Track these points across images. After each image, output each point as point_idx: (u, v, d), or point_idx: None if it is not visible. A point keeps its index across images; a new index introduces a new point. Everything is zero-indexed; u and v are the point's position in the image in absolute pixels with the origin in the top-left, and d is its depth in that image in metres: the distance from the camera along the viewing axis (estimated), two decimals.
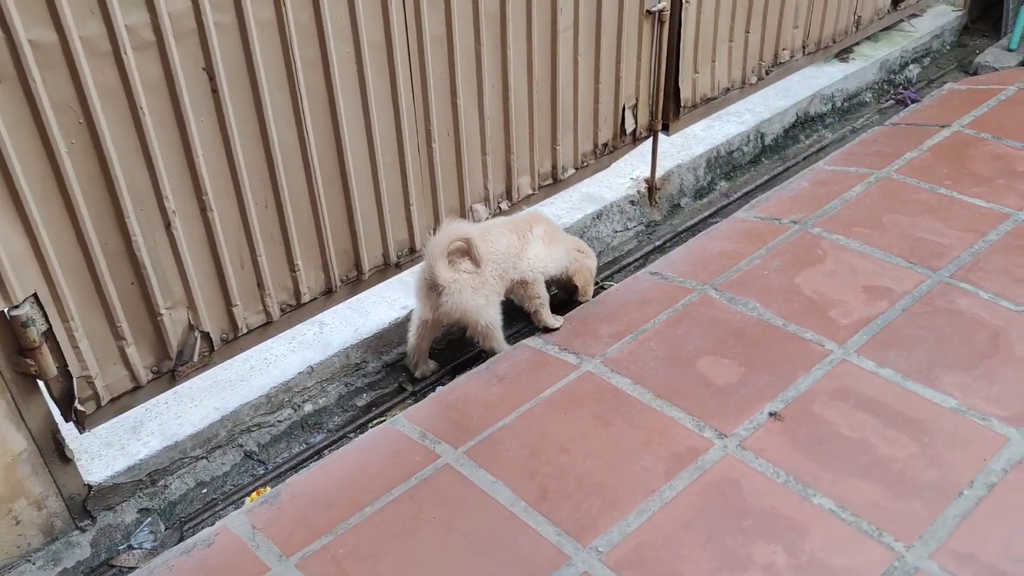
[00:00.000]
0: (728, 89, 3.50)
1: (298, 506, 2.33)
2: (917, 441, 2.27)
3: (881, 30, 4.31)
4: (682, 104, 3.29)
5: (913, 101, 4.22)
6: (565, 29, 2.77)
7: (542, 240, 2.78)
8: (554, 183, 3.04)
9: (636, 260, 3.40)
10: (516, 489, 2.26)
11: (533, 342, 2.80)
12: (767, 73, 3.60)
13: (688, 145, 3.64)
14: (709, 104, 3.46)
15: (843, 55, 4.23)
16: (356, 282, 2.67)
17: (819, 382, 2.48)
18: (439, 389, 2.75)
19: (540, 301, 2.77)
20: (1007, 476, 2.15)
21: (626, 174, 3.51)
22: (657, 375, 2.57)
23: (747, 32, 3.42)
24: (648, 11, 2.97)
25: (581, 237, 3.32)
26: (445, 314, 2.63)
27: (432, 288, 2.59)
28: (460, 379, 2.73)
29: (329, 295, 2.62)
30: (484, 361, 2.75)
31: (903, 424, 2.32)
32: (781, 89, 3.99)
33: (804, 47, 3.74)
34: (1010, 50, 4.46)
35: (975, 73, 4.49)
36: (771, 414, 2.37)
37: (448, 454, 2.39)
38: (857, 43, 4.28)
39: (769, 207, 3.33)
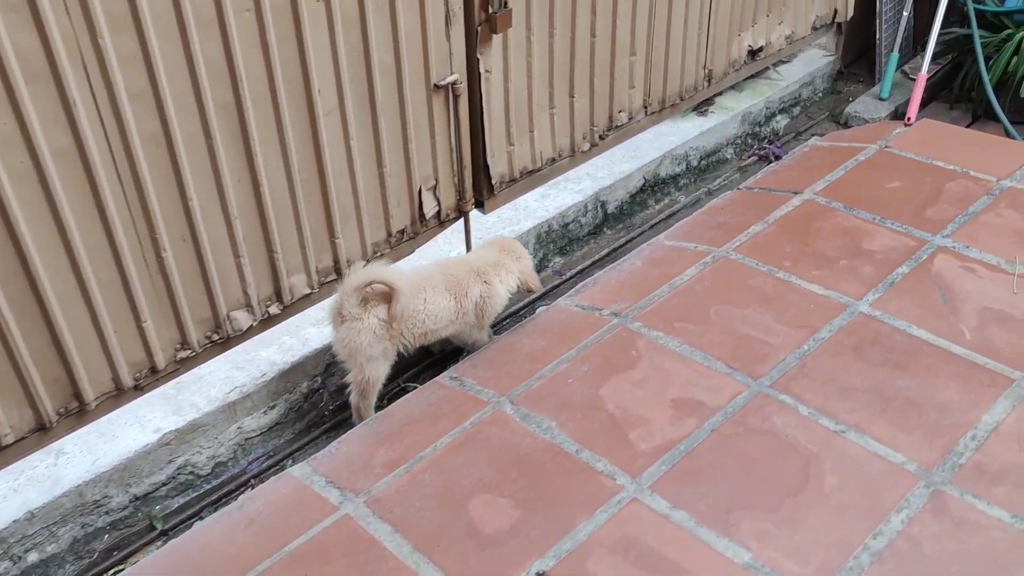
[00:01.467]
0: (554, 159, 3.19)
1: None
2: None
3: (746, 79, 4.04)
4: (495, 180, 2.97)
5: (776, 157, 3.96)
6: (328, 112, 2.44)
7: (475, 308, 2.74)
8: (340, 278, 2.69)
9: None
10: None
11: (300, 471, 2.46)
12: (601, 138, 3.30)
13: (517, 219, 3.33)
14: (533, 176, 3.15)
15: (703, 108, 3.95)
16: (80, 413, 2.30)
17: (602, 529, 2.16)
18: (190, 529, 2.39)
19: None
20: None
21: (442, 256, 3.17)
22: (422, 520, 2.24)
23: (572, 97, 3.11)
24: (436, 86, 2.65)
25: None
26: (335, 345, 2.58)
27: (338, 316, 2.55)
28: (208, 520, 2.38)
29: (44, 431, 2.25)
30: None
31: None
32: (629, 149, 3.70)
33: (646, 107, 3.44)
34: (881, 99, 4.22)
35: (846, 124, 4.24)
36: (538, 575, 2.05)
37: None
38: (720, 93, 4.00)
39: (593, 293, 3.02)
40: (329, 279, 2.73)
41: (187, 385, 2.70)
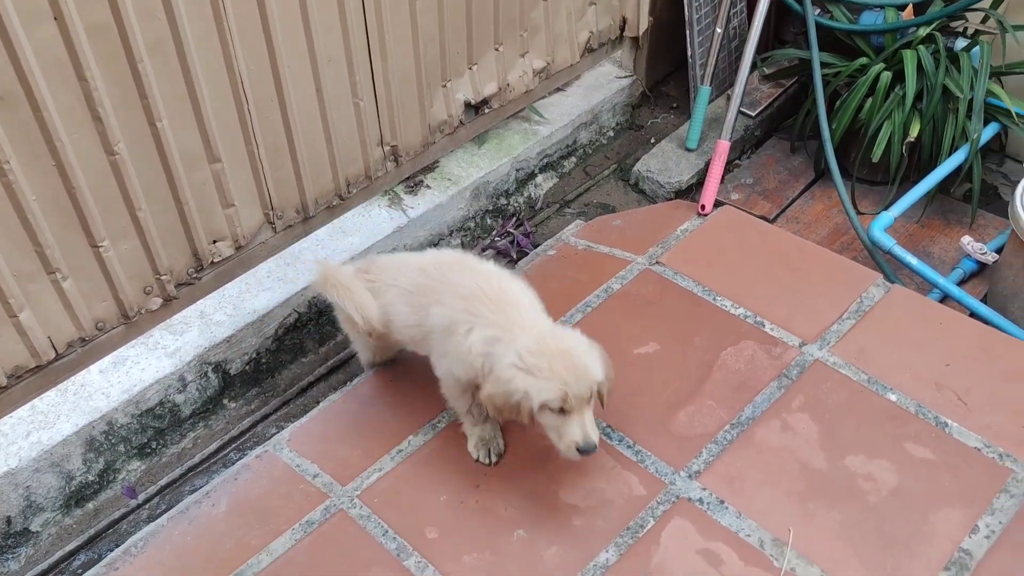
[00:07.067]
0: (85, 339, 2.02)
1: None
2: None
3: (492, 127, 2.83)
4: None
5: (522, 252, 2.79)
6: None
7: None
8: None
9: None
10: None
11: None
12: (187, 284, 2.11)
13: (53, 417, 2.16)
14: (45, 371, 2.01)
15: (416, 179, 2.74)
16: None
17: None
18: None
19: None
20: None
21: None
22: None
23: (97, 247, 1.93)
24: None
25: None
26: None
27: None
28: None
29: None
30: None
31: None
32: (282, 264, 2.53)
33: (272, 223, 2.28)
34: (689, 150, 3.02)
35: (636, 185, 3.05)
36: None
37: None
38: (452, 151, 2.79)
39: None
40: None
41: None
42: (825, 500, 1.95)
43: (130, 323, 2.16)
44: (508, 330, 1.84)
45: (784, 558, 1.86)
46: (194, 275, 2.22)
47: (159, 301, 2.18)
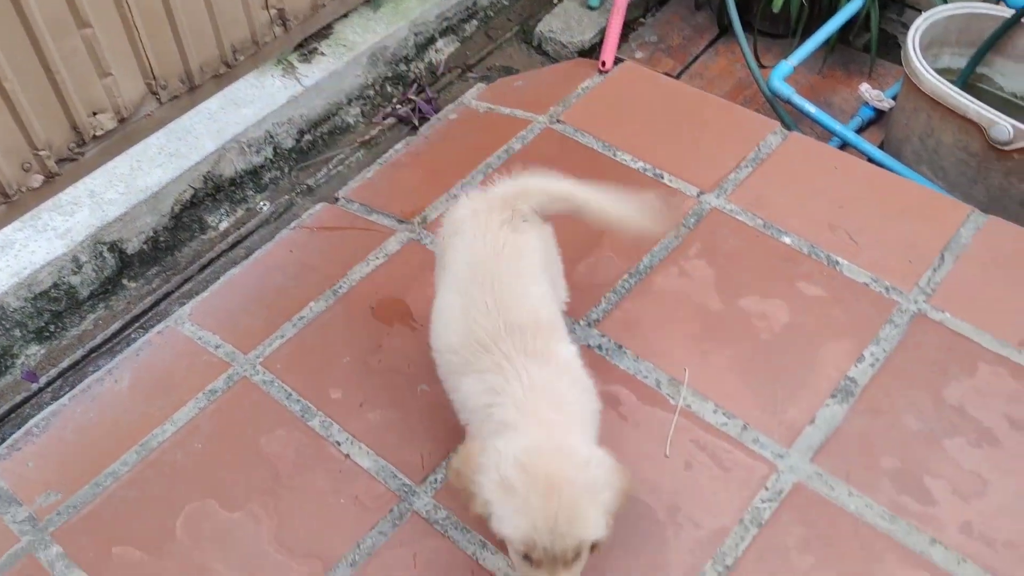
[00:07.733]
0: None
1: None
2: None
3: None
4: None
5: (424, 118, 2.73)
6: None
7: None
8: None
9: None
10: None
11: None
12: (69, 160, 2.05)
13: None
14: None
15: (310, 46, 2.65)
16: None
17: None
18: None
19: None
20: None
21: None
22: None
23: None
24: None
25: None
26: None
27: None
28: None
29: None
30: None
31: None
32: (173, 138, 2.44)
33: (156, 93, 2.18)
34: (591, 8, 2.97)
35: (539, 46, 3.00)
36: None
37: None
38: (345, 15, 2.70)
39: (11, 466, 1.90)
40: None
41: None
42: (720, 340, 2.01)
43: (11, 203, 2.08)
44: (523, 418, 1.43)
45: (680, 396, 1.92)
46: (76, 150, 2.14)
47: (40, 178, 2.10)
